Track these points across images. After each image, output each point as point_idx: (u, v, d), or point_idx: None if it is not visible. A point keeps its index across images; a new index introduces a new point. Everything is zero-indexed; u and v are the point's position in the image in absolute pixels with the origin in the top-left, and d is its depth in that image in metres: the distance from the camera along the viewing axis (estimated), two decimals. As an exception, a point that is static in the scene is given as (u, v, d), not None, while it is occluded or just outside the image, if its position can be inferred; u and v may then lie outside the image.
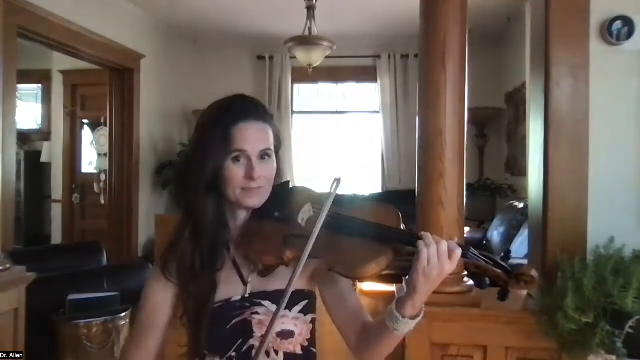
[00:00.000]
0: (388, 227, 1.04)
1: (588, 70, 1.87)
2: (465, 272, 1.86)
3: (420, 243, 0.98)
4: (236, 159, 1.10)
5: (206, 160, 1.09)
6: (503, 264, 1.00)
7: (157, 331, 1.15)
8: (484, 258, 1.01)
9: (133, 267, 3.55)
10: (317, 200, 1.12)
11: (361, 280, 1.03)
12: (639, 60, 1.90)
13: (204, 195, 1.11)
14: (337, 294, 1.20)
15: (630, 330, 1.53)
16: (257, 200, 1.13)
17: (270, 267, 1.09)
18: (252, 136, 1.11)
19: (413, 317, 1.03)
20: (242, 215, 1.17)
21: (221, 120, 1.11)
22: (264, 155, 1.13)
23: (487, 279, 1.00)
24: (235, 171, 1.10)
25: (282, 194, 1.17)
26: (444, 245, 0.98)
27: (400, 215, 1.08)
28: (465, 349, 1.84)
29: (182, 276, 1.12)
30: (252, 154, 1.10)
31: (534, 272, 0.98)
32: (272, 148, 1.15)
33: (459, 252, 0.98)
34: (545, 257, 1.86)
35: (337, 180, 1.06)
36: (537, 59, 2.01)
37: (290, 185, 1.22)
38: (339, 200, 1.08)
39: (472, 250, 1.01)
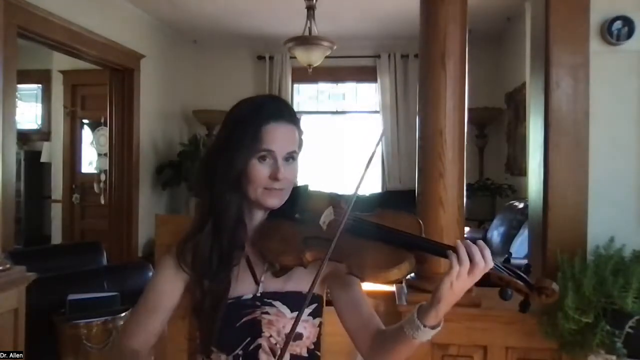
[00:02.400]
0: (417, 236, 1.05)
1: (588, 70, 1.86)
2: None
3: (454, 258, 0.97)
4: (262, 158, 1.11)
5: (235, 157, 1.10)
6: (525, 276, 1.01)
7: (162, 313, 1.15)
8: (507, 270, 1.01)
9: (133, 267, 3.54)
10: (337, 204, 1.13)
11: (380, 283, 1.04)
12: (639, 60, 1.90)
13: (230, 192, 1.12)
14: (351, 300, 1.19)
15: (630, 330, 1.53)
16: (277, 200, 1.14)
17: (287, 267, 1.09)
18: (281, 137, 1.12)
19: (433, 327, 1.03)
20: (259, 215, 1.18)
21: (253, 118, 1.11)
22: (289, 157, 1.14)
23: (509, 290, 1.00)
24: (260, 170, 1.11)
25: (301, 196, 1.18)
26: (482, 267, 0.96)
27: (423, 225, 1.09)
28: (465, 349, 1.84)
29: (196, 269, 1.12)
30: (279, 155, 1.11)
31: (554, 286, 0.99)
32: (297, 151, 1.16)
33: (490, 266, 0.97)
34: (545, 257, 1.86)
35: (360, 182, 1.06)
36: (537, 59, 2.01)
37: (309, 189, 1.22)
38: (361, 206, 1.08)
39: (496, 262, 1.02)
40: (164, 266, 1.16)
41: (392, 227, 1.07)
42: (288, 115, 1.15)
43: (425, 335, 1.03)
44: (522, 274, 1.01)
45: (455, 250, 0.98)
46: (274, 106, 1.14)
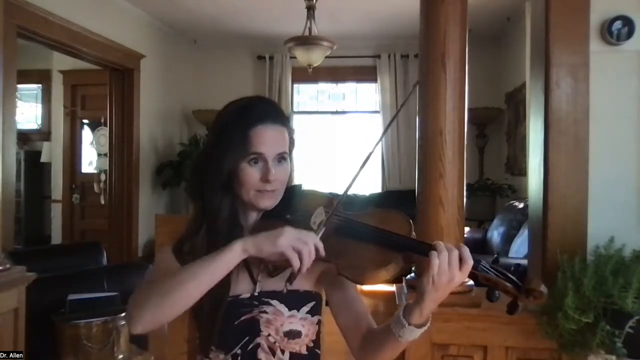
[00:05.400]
0: (400, 235, 1.05)
1: (588, 70, 1.86)
2: (471, 281, 1.86)
3: (432, 252, 0.98)
4: (252, 161, 1.11)
5: (223, 160, 1.10)
6: (513, 277, 1.00)
7: None
8: (494, 271, 1.01)
9: (133, 267, 3.54)
10: (329, 204, 1.13)
11: (370, 284, 1.04)
12: (639, 60, 1.90)
13: (221, 195, 1.12)
14: (344, 298, 1.20)
15: (630, 330, 1.53)
16: (270, 202, 1.14)
17: (280, 267, 1.10)
18: (269, 139, 1.11)
19: (419, 326, 1.03)
20: (253, 216, 1.18)
21: (240, 122, 1.11)
22: (280, 158, 1.13)
23: (497, 292, 1.00)
24: (251, 173, 1.11)
25: (295, 197, 1.18)
26: (456, 254, 0.97)
27: (412, 223, 1.09)
28: (465, 349, 1.84)
29: None
30: (268, 157, 1.11)
31: (543, 288, 0.98)
32: (288, 151, 1.16)
33: (470, 263, 0.98)
34: (545, 257, 1.86)
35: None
36: (537, 59, 2.01)
37: (302, 188, 1.23)
38: (351, 206, 1.09)
39: (483, 262, 1.02)
40: (165, 255, 1.15)
41: (381, 226, 1.06)
42: (276, 116, 1.14)
43: (412, 334, 1.03)
44: (510, 275, 1.00)
45: (434, 247, 0.99)
46: (261, 108, 1.14)
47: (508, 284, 1.00)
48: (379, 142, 1.12)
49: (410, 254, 1.03)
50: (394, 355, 1.11)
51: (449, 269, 0.97)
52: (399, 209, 1.14)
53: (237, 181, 1.12)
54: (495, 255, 1.08)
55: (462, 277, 0.98)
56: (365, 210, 1.15)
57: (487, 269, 1.01)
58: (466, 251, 0.99)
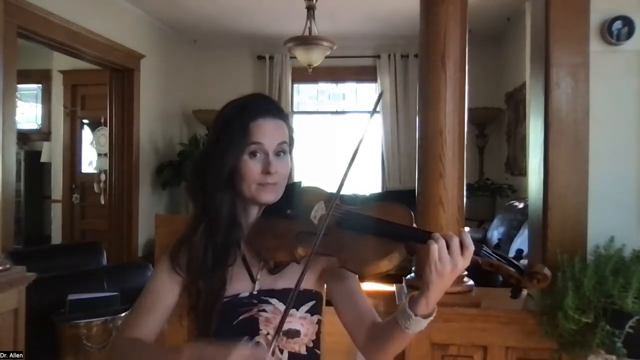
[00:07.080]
0: (401, 224, 1.05)
1: (588, 70, 1.86)
2: (466, 272, 1.86)
3: (430, 240, 0.98)
4: (253, 154, 1.12)
5: (225, 156, 1.11)
6: (515, 262, 1.00)
7: (159, 312, 1.14)
8: (496, 256, 1.01)
9: (133, 267, 3.55)
10: (329, 199, 1.13)
11: (372, 276, 1.04)
12: (639, 60, 1.89)
13: (222, 193, 1.13)
14: (347, 293, 1.20)
15: (630, 330, 1.53)
16: (272, 196, 1.14)
17: (281, 263, 1.10)
18: (269, 131, 1.13)
19: (425, 316, 1.03)
20: (254, 213, 1.19)
21: (240, 117, 1.12)
22: (279, 151, 1.14)
23: (499, 277, 1.00)
24: (252, 166, 1.12)
25: (294, 193, 1.19)
26: (456, 240, 0.97)
27: (412, 214, 1.09)
28: (465, 349, 1.84)
29: (191, 271, 1.13)
30: (269, 148, 1.12)
31: (546, 270, 0.98)
32: (288, 144, 1.17)
33: (472, 248, 0.98)
34: (545, 257, 1.86)
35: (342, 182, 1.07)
36: (537, 59, 2.01)
37: (302, 185, 1.24)
38: (351, 199, 1.09)
39: (485, 248, 1.02)
40: (160, 268, 1.17)
41: (381, 217, 1.06)
42: (275, 111, 1.16)
43: (418, 325, 1.03)
44: (512, 260, 1.00)
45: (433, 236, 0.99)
46: (260, 103, 1.16)
47: (511, 269, 1.00)
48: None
49: (412, 243, 1.03)
50: (400, 348, 1.12)
51: (451, 256, 0.96)
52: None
53: (238, 176, 1.12)
54: (497, 242, 1.08)
55: (465, 264, 0.98)
56: (366, 203, 1.16)
57: (490, 254, 1.01)
58: (467, 237, 0.98)
